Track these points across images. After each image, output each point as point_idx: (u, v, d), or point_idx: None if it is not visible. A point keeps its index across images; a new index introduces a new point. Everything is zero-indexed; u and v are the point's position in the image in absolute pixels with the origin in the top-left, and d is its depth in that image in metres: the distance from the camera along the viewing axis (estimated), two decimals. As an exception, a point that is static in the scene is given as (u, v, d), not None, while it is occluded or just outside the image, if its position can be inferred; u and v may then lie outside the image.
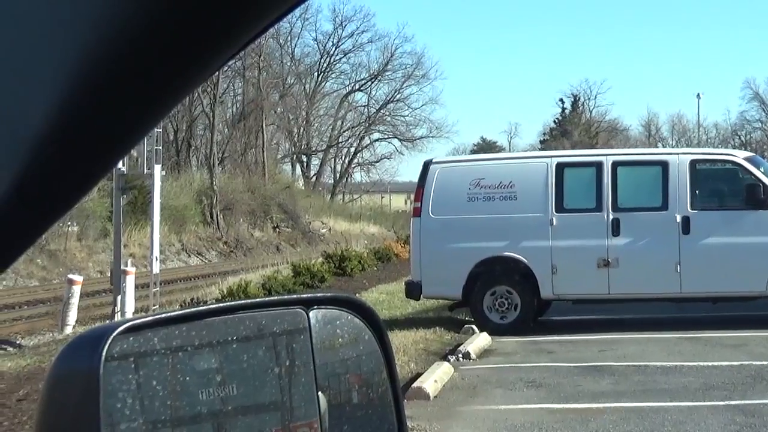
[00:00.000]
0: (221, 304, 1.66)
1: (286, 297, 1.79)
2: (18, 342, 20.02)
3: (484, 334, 16.16)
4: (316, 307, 1.75)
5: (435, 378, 12.37)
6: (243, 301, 1.70)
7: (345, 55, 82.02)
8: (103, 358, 1.40)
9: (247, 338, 1.66)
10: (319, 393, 1.72)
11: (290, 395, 1.71)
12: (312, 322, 1.73)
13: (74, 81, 0.98)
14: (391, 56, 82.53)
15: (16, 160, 1.02)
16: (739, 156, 17.74)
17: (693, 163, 17.07)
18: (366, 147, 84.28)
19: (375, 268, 34.63)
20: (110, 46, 0.97)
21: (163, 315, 1.56)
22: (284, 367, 1.71)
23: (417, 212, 17.71)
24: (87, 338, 1.49)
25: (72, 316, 20.94)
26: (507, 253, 17.16)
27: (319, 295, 1.79)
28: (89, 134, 1.03)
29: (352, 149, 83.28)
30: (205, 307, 1.62)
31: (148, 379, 1.50)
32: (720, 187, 17.38)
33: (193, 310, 1.61)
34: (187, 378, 1.56)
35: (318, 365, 1.73)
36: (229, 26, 1.00)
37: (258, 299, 1.74)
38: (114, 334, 1.44)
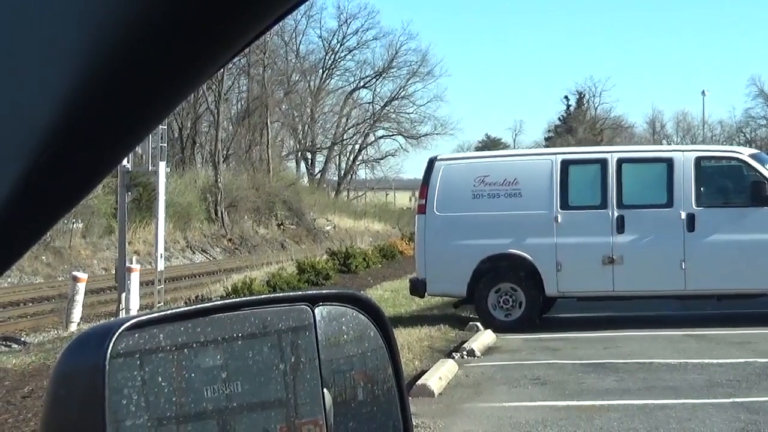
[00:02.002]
0: (226, 301, 1.66)
1: (291, 294, 1.79)
2: (23, 339, 20.04)
3: (489, 332, 16.16)
4: (321, 303, 1.75)
5: (439, 375, 12.37)
6: (248, 298, 1.70)
7: (350, 53, 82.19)
8: (108, 354, 1.40)
9: (252, 335, 1.66)
10: (324, 390, 1.72)
11: (295, 392, 1.71)
12: (317, 318, 1.73)
13: (80, 78, 0.99)
14: (396, 53, 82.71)
15: (22, 156, 1.02)
16: (745, 153, 17.72)
17: (698, 160, 17.05)
18: (370, 144, 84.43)
19: (379, 266, 34.66)
20: (115, 44, 0.97)
21: (169, 312, 1.56)
22: (289, 364, 1.71)
23: (422, 209, 17.70)
24: (93, 335, 1.49)
25: (77, 313, 20.97)
26: (512, 251, 17.16)
27: (324, 291, 1.78)
28: (94, 131, 1.03)
29: (357, 146, 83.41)
30: (210, 304, 1.62)
31: (153, 375, 1.50)
32: (725, 185, 17.36)
33: (198, 306, 1.61)
34: (193, 375, 1.56)
35: (323, 362, 1.73)
36: (232, 24, 1.00)
37: (263, 296, 1.74)
38: (120, 330, 1.44)
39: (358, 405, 1.80)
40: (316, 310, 1.73)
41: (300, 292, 1.81)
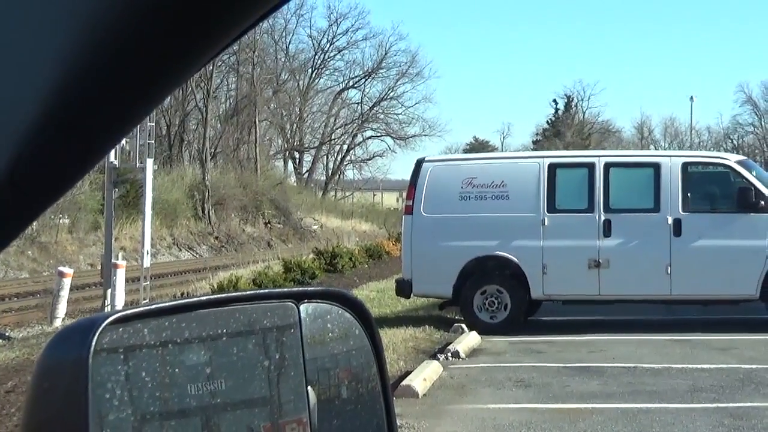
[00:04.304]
0: (212, 297, 1.65)
1: (276, 290, 1.78)
2: (7, 334, 19.98)
3: (474, 334, 16.17)
4: (306, 301, 1.74)
5: (424, 376, 12.38)
6: (233, 294, 1.69)
7: (339, 52, 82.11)
8: (92, 348, 1.39)
9: (237, 331, 1.65)
10: (309, 388, 1.71)
11: (279, 390, 1.70)
12: (302, 315, 1.72)
13: (65, 71, 0.98)
14: (386, 54, 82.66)
15: (9, 146, 1.02)
16: (731, 159, 17.77)
17: (685, 165, 17.09)
18: (359, 144, 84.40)
19: (366, 266, 34.64)
20: (101, 38, 0.97)
21: (154, 306, 1.55)
22: (274, 361, 1.70)
23: (409, 210, 17.71)
24: (77, 328, 1.48)
25: (62, 308, 20.92)
26: (498, 253, 17.17)
27: (309, 289, 1.78)
28: (81, 122, 1.03)
29: (345, 146, 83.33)
30: (195, 299, 1.61)
31: (137, 370, 1.50)
32: (712, 190, 17.38)
33: (183, 301, 1.60)
34: (177, 370, 1.56)
35: (307, 360, 1.72)
36: (219, 19, 1.00)
37: (249, 292, 1.73)
38: (104, 324, 1.43)
39: (342, 403, 1.79)
40: (302, 307, 1.73)
41: (285, 289, 1.80)
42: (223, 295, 1.67)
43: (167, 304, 1.58)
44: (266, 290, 1.81)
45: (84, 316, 20.26)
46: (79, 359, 1.38)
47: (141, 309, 1.54)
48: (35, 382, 1.40)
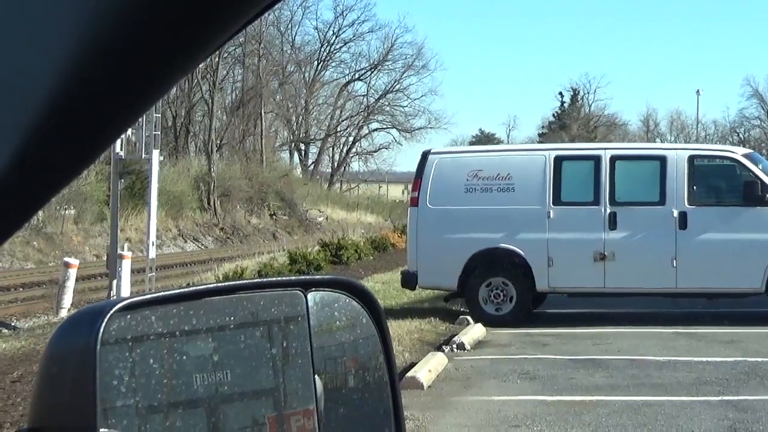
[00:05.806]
0: (219, 284, 1.65)
1: (284, 279, 1.78)
2: (13, 324, 20.01)
3: (479, 326, 16.17)
4: (314, 289, 1.74)
5: (429, 368, 12.38)
6: (241, 282, 1.69)
7: (345, 44, 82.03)
8: (100, 335, 1.40)
9: (244, 319, 1.65)
10: (316, 376, 1.71)
11: (286, 379, 1.70)
12: (310, 304, 1.72)
13: (72, 59, 0.98)
14: (392, 46, 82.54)
15: (14, 135, 1.02)
16: (738, 152, 17.72)
17: (691, 158, 17.05)
18: (364, 136, 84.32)
19: (371, 258, 34.63)
20: (108, 27, 0.97)
21: (161, 293, 1.55)
22: (281, 350, 1.71)
23: (414, 202, 17.69)
24: (85, 315, 1.49)
25: (67, 299, 20.95)
26: (503, 245, 17.15)
27: (317, 277, 1.78)
28: (87, 112, 1.03)
29: (351, 138, 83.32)
30: (203, 287, 1.61)
31: (144, 357, 1.50)
32: (718, 184, 17.36)
33: (191, 289, 1.60)
34: (184, 358, 1.56)
35: (315, 348, 1.72)
36: (224, 9, 1.00)
37: (256, 280, 1.73)
38: (112, 311, 1.43)
39: (349, 392, 1.79)
40: (309, 296, 1.73)
41: (293, 277, 1.80)
42: (231, 283, 1.67)
43: (175, 291, 1.58)
44: (274, 278, 1.81)
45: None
46: (87, 345, 1.38)
47: (149, 296, 1.54)
48: (44, 367, 1.40)
